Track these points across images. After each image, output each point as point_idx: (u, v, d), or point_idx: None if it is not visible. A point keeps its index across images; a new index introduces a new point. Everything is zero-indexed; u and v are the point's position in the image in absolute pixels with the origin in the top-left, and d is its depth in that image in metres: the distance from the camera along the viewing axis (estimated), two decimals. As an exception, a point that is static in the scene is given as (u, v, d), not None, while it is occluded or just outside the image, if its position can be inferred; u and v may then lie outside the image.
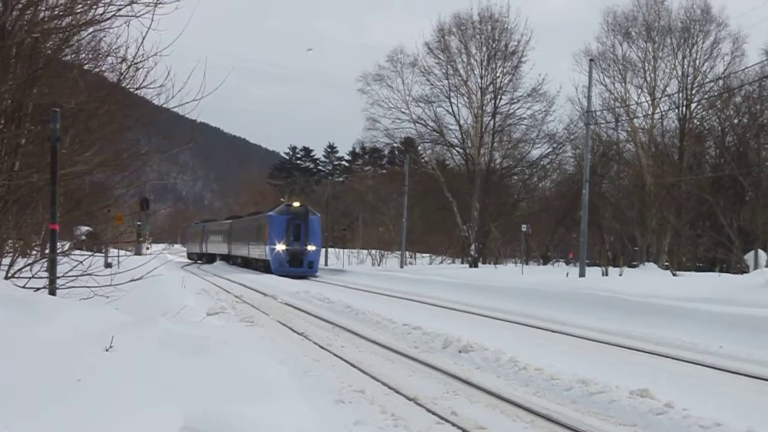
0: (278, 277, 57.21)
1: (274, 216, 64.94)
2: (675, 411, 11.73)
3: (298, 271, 61.68)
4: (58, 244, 14.99)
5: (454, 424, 11.68)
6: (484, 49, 71.84)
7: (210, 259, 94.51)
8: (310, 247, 63.64)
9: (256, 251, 69.94)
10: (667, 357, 19.15)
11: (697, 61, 66.05)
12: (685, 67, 66.15)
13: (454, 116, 73.58)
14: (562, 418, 12.08)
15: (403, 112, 73.58)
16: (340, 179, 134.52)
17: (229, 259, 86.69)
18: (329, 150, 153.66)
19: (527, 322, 26.91)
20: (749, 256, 47.01)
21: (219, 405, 8.12)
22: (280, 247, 62.94)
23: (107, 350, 9.53)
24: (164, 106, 15.66)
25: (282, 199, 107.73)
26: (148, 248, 69.92)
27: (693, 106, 65.71)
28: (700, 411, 11.59)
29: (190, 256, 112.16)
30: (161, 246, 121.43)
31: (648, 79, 67.25)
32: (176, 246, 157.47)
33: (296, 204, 67.06)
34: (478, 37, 71.83)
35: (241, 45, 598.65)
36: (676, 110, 66.14)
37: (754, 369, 17.21)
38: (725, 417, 11.21)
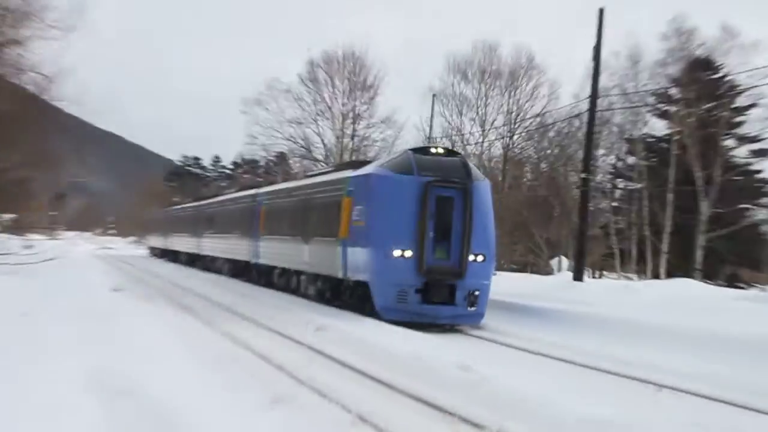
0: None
1: (385, 177, 22.17)
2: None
3: (443, 312, 21.35)
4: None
5: None
6: (347, 81, 72.18)
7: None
8: (475, 258, 21.67)
9: (306, 258, 28.21)
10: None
11: (521, 101, 67.43)
12: (510, 105, 67.49)
13: (320, 136, 73.67)
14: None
15: (278, 131, 73.00)
16: (224, 184, 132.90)
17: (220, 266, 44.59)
18: (215, 160, 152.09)
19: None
20: (554, 262, 48.67)
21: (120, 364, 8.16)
22: (400, 253, 21.17)
23: (23, 316, 9.49)
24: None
25: (175, 199, 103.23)
26: (59, 234, 68.03)
27: (515, 137, 67.13)
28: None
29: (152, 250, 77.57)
30: (72, 233, 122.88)
31: (480, 113, 68.26)
32: (87, 234, 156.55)
33: (438, 150, 23.58)
34: (341, 71, 72.31)
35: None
36: (502, 140, 67.52)
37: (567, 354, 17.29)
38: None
